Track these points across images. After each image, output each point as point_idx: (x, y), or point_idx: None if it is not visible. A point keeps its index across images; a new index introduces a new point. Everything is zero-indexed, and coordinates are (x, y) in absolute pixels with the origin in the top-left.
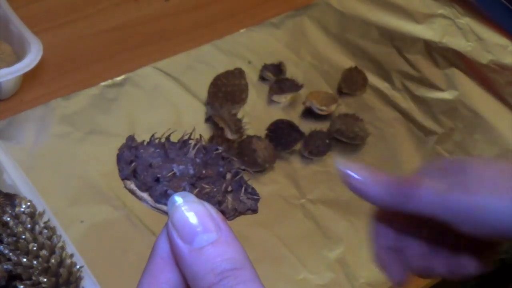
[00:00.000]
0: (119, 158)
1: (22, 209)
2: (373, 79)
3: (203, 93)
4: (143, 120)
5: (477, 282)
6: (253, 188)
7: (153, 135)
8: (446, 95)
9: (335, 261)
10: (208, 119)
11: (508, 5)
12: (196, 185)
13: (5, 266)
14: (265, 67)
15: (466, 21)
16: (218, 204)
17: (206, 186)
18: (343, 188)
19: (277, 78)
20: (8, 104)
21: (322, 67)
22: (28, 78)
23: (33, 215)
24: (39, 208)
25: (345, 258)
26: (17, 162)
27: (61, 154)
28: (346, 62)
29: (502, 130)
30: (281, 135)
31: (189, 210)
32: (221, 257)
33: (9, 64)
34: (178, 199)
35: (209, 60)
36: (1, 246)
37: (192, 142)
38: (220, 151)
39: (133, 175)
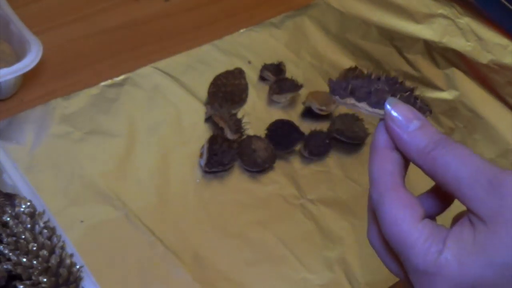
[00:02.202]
0: (334, 88)
1: (22, 209)
2: None
3: (203, 93)
4: (143, 120)
5: None
6: (422, 99)
7: (348, 72)
8: (446, 95)
9: (335, 261)
10: (208, 119)
11: (508, 5)
12: (394, 95)
13: (4, 266)
14: (265, 67)
15: (466, 21)
16: (412, 106)
17: (402, 94)
18: (343, 188)
19: (277, 78)
20: (8, 104)
21: (322, 67)
22: (28, 78)
23: (33, 215)
24: (39, 208)
25: (345, 258)
26: (17, 162)
27: (61, 154)
28: (346, 62)
29: (502, 130)
30: (281, 135)
31: (399, 108)
32: (432, 133)
33: (9, 64)
34: (390, 102)
35: (209, 60)
36: (1, 246)
37: (380, 74)
38: (397, 77)
39: (351, 93)
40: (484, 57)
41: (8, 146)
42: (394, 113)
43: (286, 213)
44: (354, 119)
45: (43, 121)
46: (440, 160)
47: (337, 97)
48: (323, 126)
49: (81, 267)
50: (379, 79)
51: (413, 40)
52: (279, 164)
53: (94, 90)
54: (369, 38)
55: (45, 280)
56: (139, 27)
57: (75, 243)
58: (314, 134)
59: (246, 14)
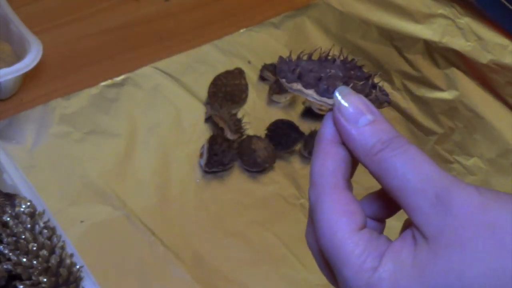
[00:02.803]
0: (280, 69)
1: (22, 209)
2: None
3: (203, 93)
4: (143, 120)
5: None
6: (381, 87)
7: (301, 53)
8: (446, 95)
9: None
10: (208, 119)
11: (508, 5)
12: (347, 83)
13: (5, 266)
14: (265, 67)
15: (466, 21)
16: (366, 96)
17: (356, 82)
18: None
19: (277, 78)
20: (8, 104)
21: None
22: (28, 78)
23: (33, 215)
24: (39, 208)
25: None
26: (17, 162)
27: (61, 154)
28: None
29: (502, 130)
30: (281, 135)
31: (350, 99)
32: (383, 131)
33: (9, 64)
34: (340, 92)
35: (209, 60)
36: (1, 246)
37: (336, 55)
38: (355, 61)
39: (298, 78)
40: (484, 57)
41: (8, 146)
42: (344, 104)
43: (286, 213)
44: None
45: (43, 121)
46: (387, 163)
47: (283, 80)
48: None
49: (81, 267)
50: (334, 62)
51: (413, 40)
52: (279, 164)
53: (94, 90)
54: (369, 38)
55: (45, 280)
56: (139, 27)
57: (75, 243)
58: (314, 134)
59: (246, 14)
